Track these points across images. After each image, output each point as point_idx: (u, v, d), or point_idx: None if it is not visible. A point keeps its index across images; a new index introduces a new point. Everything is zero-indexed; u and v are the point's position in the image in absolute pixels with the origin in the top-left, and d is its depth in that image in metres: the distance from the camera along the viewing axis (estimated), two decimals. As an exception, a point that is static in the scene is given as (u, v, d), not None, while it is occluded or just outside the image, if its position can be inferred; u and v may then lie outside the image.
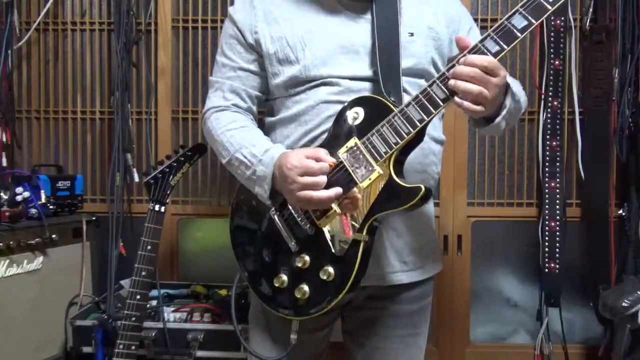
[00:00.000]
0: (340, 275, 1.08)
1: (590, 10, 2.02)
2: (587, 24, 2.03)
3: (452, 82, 1.01)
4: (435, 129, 1.24)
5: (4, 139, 2.09)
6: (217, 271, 2.10)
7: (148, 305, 1.74)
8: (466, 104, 1.01)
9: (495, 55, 1.01)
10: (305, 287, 1.12)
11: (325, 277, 1.09)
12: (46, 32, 2.21)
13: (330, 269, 1.09)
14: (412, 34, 1.19)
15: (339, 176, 1.08)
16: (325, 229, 1.11)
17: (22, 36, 2.15)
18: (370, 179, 1.06)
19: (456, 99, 1.02)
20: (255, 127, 1.26)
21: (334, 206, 1.08)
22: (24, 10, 2.18)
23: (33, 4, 2.19)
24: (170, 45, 2.14)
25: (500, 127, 1.14)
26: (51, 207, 1.84)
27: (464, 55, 1.02)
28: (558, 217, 2.02)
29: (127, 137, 2.02)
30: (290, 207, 1.14)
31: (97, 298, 1.93)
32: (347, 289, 1.08)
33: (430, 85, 1.04)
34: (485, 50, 1.01)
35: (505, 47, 1.00)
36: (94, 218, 2.01)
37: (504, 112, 1.10)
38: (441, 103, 1.03)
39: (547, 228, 2.02)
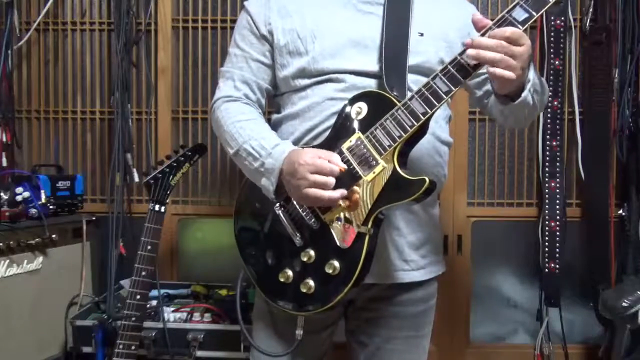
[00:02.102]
0: (346, 268, 1.09)
1: (590, 10, 2.03)
2: (587, 24, 2.03)
3: (472, 51, 1.00)
4: (441, 130, 1.25)
5: (4, 139, 2.09)
6: (217, 271, 2.11)
7: (148, 305, 1.74)
8: (499, 70, 0.99)
9: None
10: (311, 282, 1.12)
11: (330, 271, 1.09)
12: (46, 32, 2.21)
13: (336, 263, 1.09)
14: (422, 34, 1.20)
15: (344, 170, 1.09)
16: (330, 223, 1.11)
17: (22, 36, 2.15)
18: (374, 172, 1.08)
19: (488, 68, 1.01)
20: (264, 120, 1.26)
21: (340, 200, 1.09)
22: (24, 10, 2.18)
23: (33, 4, 2.19)
24: (170, 45, 2.14)
25: (528, 103, 1.11)
26: (51, 207, 1.84)
27: (465, 50, 1.02)
28: (558, 217, 2.02)
29: (127, 137, 2.02)
30: (295, 202, 1.15)
31: (97, 298, 1.93)
32: (353, 282, 1.08)
33: (433, 79, 1.05)
34: None
35: None
36: (94, 218, 2.01)
37: (528, 86, 1.09)
38: (444, 96, 1.04)
39: (547, 228, 2.02)
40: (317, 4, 1.24)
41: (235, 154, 1.22)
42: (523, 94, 1.09)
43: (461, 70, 1.03)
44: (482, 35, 1.02)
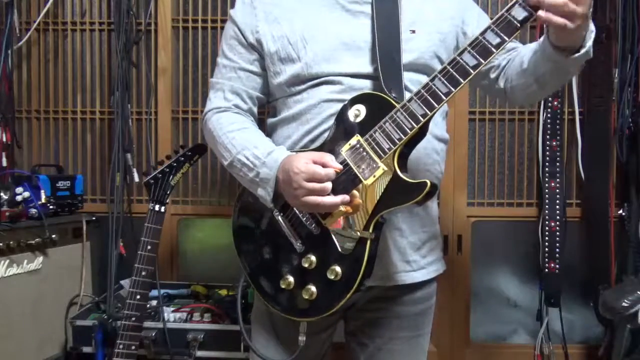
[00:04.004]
0: (348, 273, 1.07)
1: (590, 10, 2.02)
2: (587, 23, 2.03)
3: None
4: (438, 127, 1.23)
5: (4, 139, 2.09)
6: (217, 271, 2.11)
7: (148, 305, 1.74)
8: (555, 18, 0.96)
9: (496, 47, 1.00)
10: (313, 288, 1.10)
11: (332, 277, 1.08)
12: (46, 32, 2.21)
13: (338, 268, 1.08)
14: (413, 31, 1.18)
15: (344, 174, 1.08)
16: (331, 228, 1.10)
17: (22, 36, 2.15)
18: (375, 176, 1.06)
19: (541, 13, 0.97)
20: (257, 128, 1.25)
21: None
22: (24, 10, 2.18)
23: (33, 4, 2.19)
24: (170, 45, 2.14)
25: (590, 56, 1.08)
26: (51, 207, 1.84)
27: (464, 51, 1.01)
28: (558, 217, 2.01)
29: (127, 137, 2.01)
30: (294, 208, 1.14)
31: (97, 298, 1.93)
32: (355, 287, 1.07)
33: (432, 80, 1.03)
34: (487, 43, 1.00)
35: (505, 38, 1.00)
36: (94, 218, 2.01)
37: (593, 36, 1.05)
38: (444, 97, 1.02)
39: (547, 228, 2.02)
40: (304, 7, 1.21)
41: (229, 165, 1.20)
42: (587, 44, 1.04)
43: (460, 70, 1.02)
44: (482, 34, 1.01)
